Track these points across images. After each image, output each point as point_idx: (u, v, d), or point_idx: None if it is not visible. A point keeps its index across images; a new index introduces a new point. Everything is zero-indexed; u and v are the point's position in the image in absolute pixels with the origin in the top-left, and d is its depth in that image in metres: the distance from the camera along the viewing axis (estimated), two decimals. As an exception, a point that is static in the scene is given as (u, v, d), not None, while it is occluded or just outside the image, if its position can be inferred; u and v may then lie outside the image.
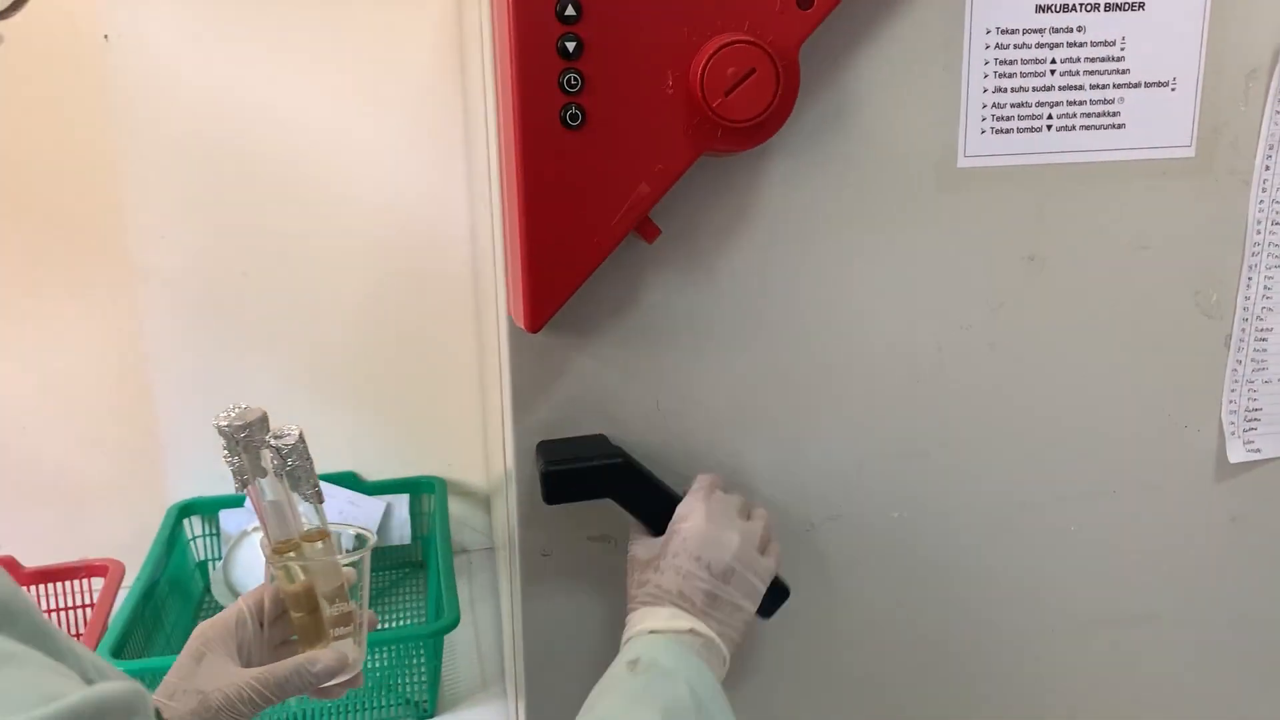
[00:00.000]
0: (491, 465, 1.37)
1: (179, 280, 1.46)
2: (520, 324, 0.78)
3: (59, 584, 1.35)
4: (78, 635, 1.28)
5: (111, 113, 1.38)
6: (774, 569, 0.80)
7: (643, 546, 0.80)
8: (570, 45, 0.71)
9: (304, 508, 0.80)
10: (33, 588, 1.34)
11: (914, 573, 0.94)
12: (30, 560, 1.35)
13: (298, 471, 0.77)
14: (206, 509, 1.52)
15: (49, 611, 1.35)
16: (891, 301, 0.87)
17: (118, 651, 1.16)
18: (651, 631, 0.74)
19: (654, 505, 0.82)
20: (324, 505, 0.80)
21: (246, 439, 0.75)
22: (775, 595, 0.83)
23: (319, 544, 0.80)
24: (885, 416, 0.90)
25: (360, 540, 0.85)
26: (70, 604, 1.36)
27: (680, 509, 0.80)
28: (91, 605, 1.35)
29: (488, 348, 1.19)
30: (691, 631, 0.74)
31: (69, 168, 1.39)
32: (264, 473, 0.77)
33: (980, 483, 0.93)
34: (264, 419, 0.76)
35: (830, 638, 0.95)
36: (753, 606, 0.78)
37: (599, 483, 0.81)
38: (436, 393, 1.56)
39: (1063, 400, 0.93)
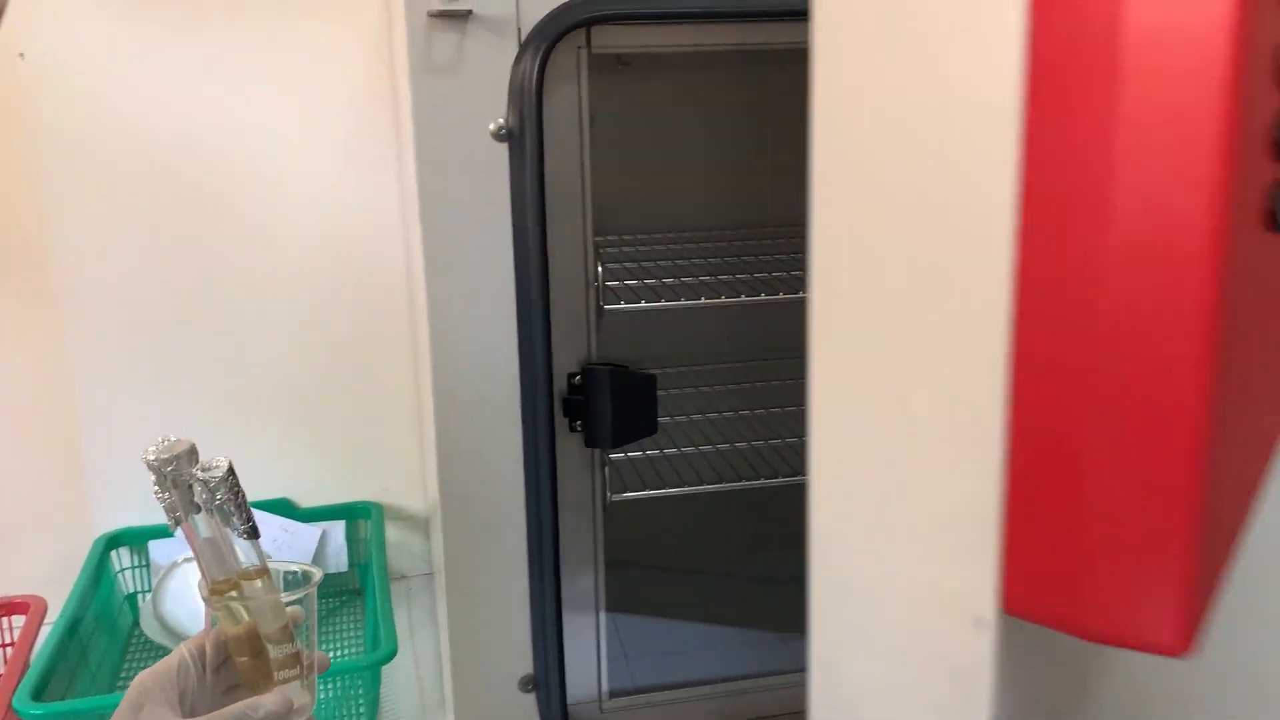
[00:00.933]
0: (429, 489, 1.35)
1: (105, 303, 1.41)
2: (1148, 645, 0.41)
3: (-24, 623, 1.30)
4: (-3, 676, 1.23)
5: (30, 131, 1.34)
6: None
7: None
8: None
9: (240, 544, 0.76)
10: (-51, 628, 1.29)
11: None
12: (-54, 599, 1.29)
13: (227, 506, 0.73)
14: (135, 540, 1.47)
15: (-33, 652, 1.30)
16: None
17: (38, 693, 1.12)
18: None
19: None
20: (259, 539, 0.76)
21: (174, 473, 0.72)
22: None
23: (258, 582, 0.76)
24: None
25: (305, 576, 0.82)
26: (-11, 643, 1.31)
27: None
28: (12, 644, 1.29)
29: (424, 368, 1.17)
30: None
31: (-15, 188, 1.35)
32: (197, 509, 0.73)
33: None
34: (192, 451, 0.73)
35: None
36: None
37: None
38: (373, 415, 1.53)
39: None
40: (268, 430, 1.50)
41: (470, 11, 0.90)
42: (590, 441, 1.03)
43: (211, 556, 0.74)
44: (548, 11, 0.91)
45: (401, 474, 1.57)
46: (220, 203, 1.41)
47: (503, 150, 0.94)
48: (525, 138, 0.92)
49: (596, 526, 1.05)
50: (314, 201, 1.43)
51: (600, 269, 1.03)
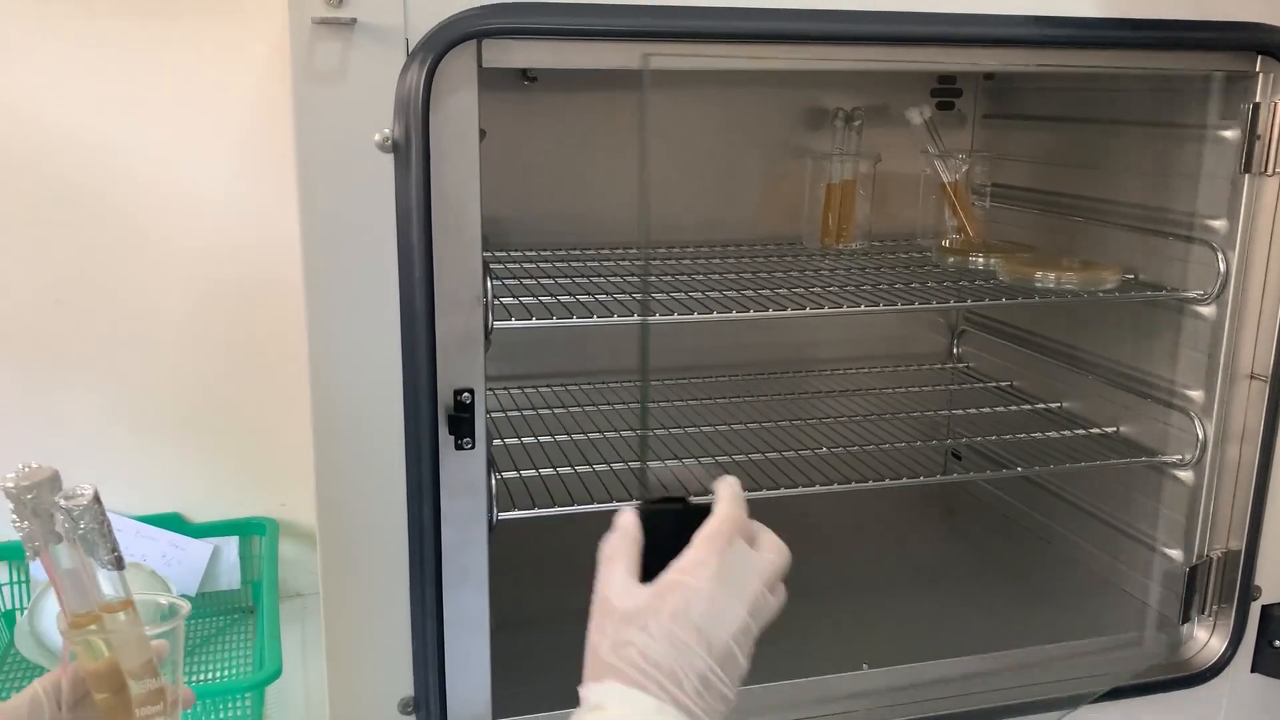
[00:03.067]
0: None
1: (-15, 310, 1.37)
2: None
3: None
4: None
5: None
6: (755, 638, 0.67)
7: (624, 591, 0.66)
8: None
9: (104, 574, 0.74)
10: None
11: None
12: None
13: (91, 535, 0.70)
14: (16, 554, 1.42)
15: None
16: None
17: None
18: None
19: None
20: (125, 571, 0.73)
21: (35, 501, 0.69)
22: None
23: (121, 615, 0.73)
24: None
25: (173, 610, 0.79)
26: None
27: (690, 556, 0.66)
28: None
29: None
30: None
31: None
32: (58, 538, 0.70)
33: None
34: (55, 478, 0.70)
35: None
36: (735, 697, 0.66)
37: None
38: (268, 429, 1.50)
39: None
40: (158, 442, 1.46)
41: (355, 20, 0.89)
42: None
43: (72, 588, 0.71)
44: (437, 22, 0.90)
45: (300, 489, 1.53)
46: (109, 207, 1.38)
47: (388, 162, 0.92)
48: (411, 150, 0.91)
49: (483, 545, 1.03)
50: (206, 206, 1.40)
51: (489, 285, 1.02)
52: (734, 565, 0.66)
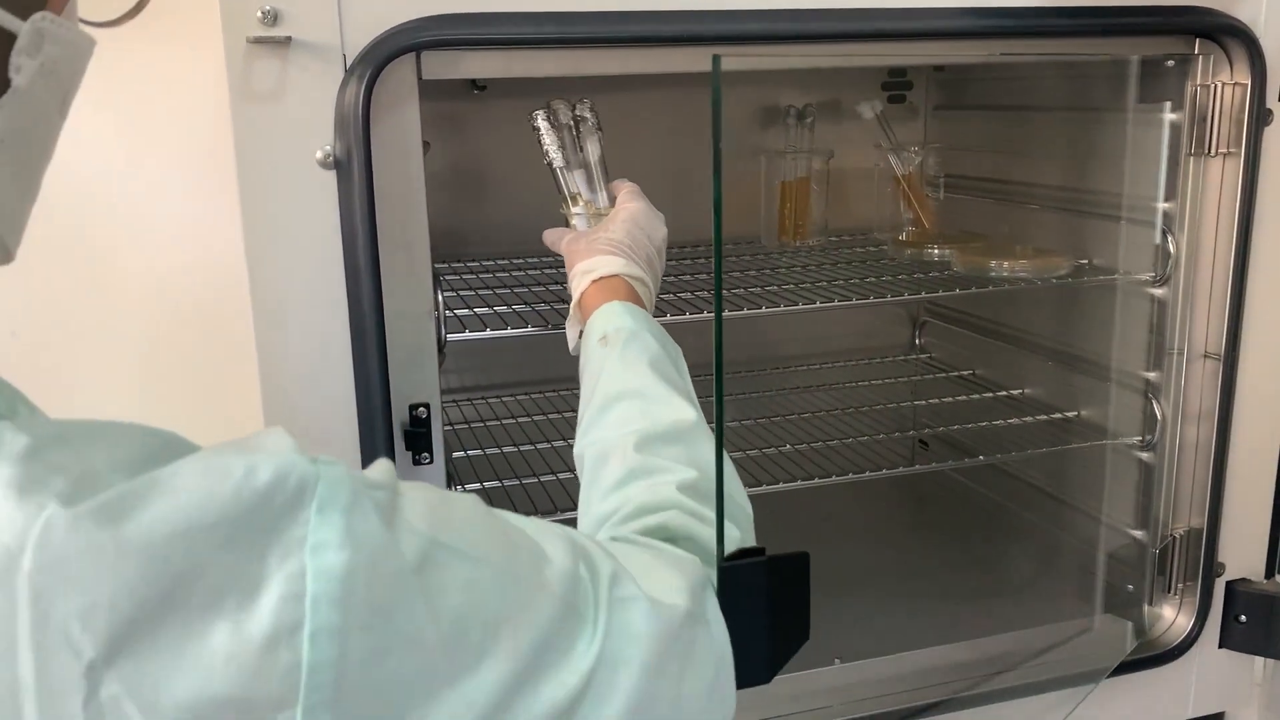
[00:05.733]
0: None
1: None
2: None
3: None
4: None
5: None
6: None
7: (583, 230, 1.04)
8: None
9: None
10: None
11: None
12: None
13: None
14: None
15: None
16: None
17: None
18: (608, 276, 0.91)
19: None
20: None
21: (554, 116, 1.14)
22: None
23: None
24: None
25: None
26: None
27: (621, 199, 1.02)
28: None
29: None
30: (640, 281, 0.93)
31: None
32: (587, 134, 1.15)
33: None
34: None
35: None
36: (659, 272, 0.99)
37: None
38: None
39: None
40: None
41: (290, 38, 0.88)
42: (739, 680, 0.62)
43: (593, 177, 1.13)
44: (373, 38, 0.90)
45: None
46: (61, 236, 1.36)
47: (332, 179, 0.91)
48: (353, 166, 0.90)
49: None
50: (161, 233, 1.38)
51: (441, 298, 1.01)
52: (648, 204, 1.02)
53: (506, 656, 0.48)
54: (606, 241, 0.94)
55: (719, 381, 0.70)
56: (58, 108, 0.59)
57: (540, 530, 0.56)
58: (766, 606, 0.63)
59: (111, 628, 0.40)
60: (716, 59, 0.77)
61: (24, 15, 0.54)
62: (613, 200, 1.07)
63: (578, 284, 0.93)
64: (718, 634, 0.58)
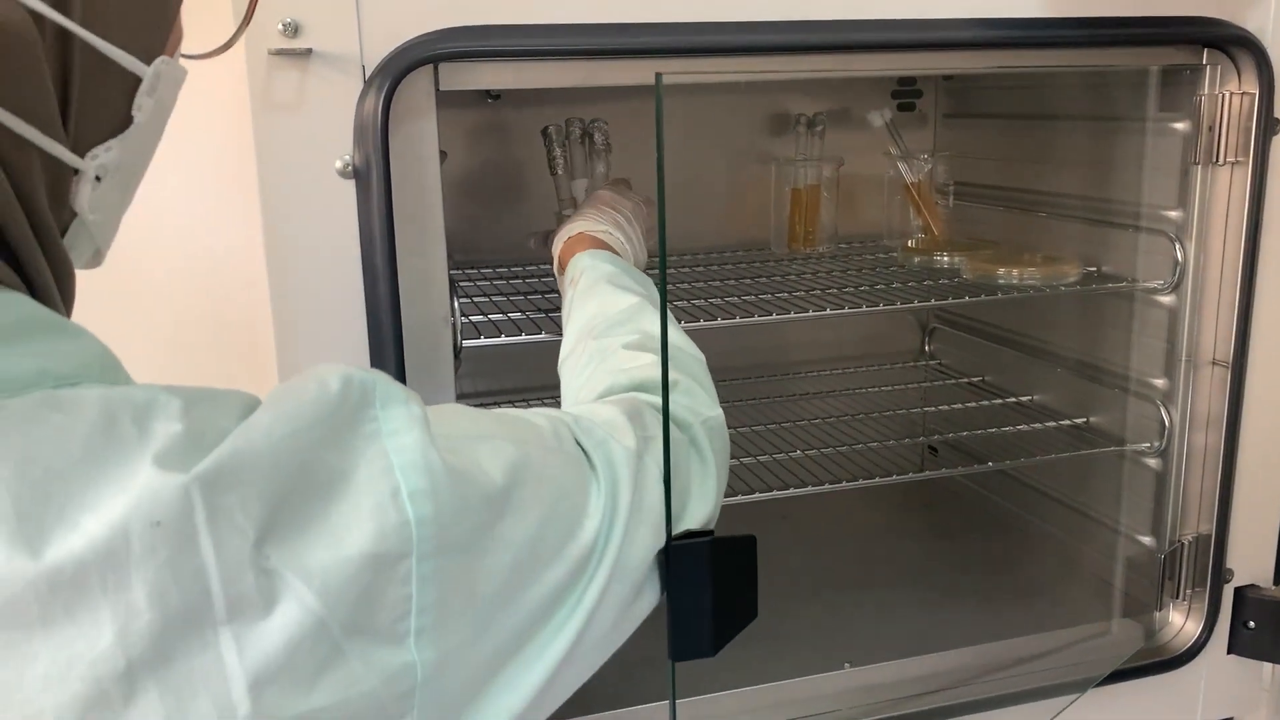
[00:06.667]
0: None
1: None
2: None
3: None
4: None
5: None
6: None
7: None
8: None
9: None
10: None
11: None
12: None
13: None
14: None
15: None
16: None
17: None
18: (573, 236, 1.08)
19: None
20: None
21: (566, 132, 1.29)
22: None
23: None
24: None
25: None
26: None
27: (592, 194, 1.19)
28: None
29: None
30: (606, 233, 1.07)
31: None
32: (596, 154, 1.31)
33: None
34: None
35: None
36: (642, 242, 1.13)
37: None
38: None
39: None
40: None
41: (310, 50, 0.90)
42: (682, 652, 0.69)
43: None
44: (392, 49, 0.91)
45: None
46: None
47: (350, 188, 0.93)
48: (372, 175, 0.92)
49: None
50: (178, 240, 1.40)
51: (456, 304, 1.03)
52: (618, 190, 1.17)
53: (539, 502, 0.59)
54: (572, 216, 1.13)
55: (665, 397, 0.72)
56: (159, 134, 0.66)
57: (519, 413, 0.68)
58: (711, 584, 0.68)
59: (264, 512, 0.48)
60: (659, 76, 0.79)
61: (148, 60, 0.61)
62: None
63: (555, 254, 1.10)
64: (653, 464, 0.69)
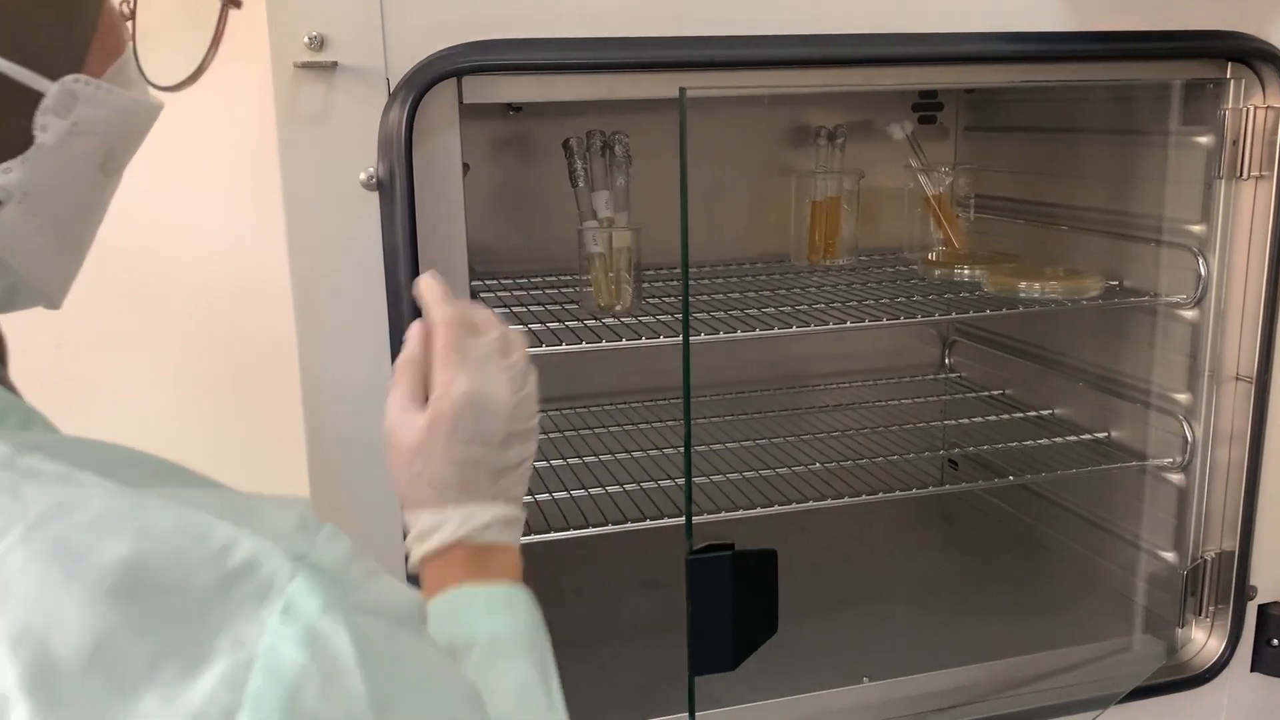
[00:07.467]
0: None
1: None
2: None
3: None
4: None
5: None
6: (535, 392, 0.72)
7: (403, 423, 0.69)
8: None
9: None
10: None
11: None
12: None
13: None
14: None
15: None
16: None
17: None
18: (443, 548, 0.68)
19: None
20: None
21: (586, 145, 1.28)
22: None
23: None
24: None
25: None
26: None
27: (439, 380, 0.68)
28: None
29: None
30: (486, 527, 0.68)
31: None
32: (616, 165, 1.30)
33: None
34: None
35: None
36: (534, 445, 0.72)
37: None
38: (267, 468, 1.50)
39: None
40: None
41: (336, 63, 0.91)
42: (702, 667, 0.69)
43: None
44: (416, 62, 0.92)
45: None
46: (106, 250, 1.39)
47: (374, 200, 0.94)
48: (395, 187, 0.92)
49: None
50: (204, 250, 1.42)
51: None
52: (476, 365, 0.69)
53: None
54: (429, 482, 0.69)
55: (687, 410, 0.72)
56: (98, 167, 0.60)
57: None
58: (731, 599, 0.66)
59: (36, 661, 0.38)
60: (683, 90, 0.78)
61: (53, 75, 0.55)
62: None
63: (411, 548, 0.70)
64: None
